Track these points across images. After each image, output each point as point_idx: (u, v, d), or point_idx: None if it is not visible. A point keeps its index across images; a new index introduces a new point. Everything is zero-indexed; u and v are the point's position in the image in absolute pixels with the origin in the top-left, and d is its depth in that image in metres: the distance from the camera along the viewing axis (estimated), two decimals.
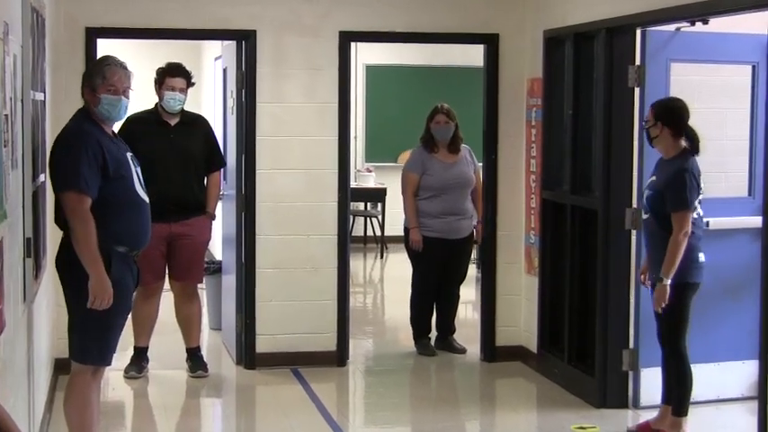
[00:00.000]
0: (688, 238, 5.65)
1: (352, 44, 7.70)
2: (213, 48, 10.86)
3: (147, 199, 5.11)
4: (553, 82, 7.24)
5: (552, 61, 7.26)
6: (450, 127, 7.94)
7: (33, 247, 4.87)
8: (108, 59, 5.14)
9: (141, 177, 5.11)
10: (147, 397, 7.12)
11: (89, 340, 4.96)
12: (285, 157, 7.43)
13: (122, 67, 5.06)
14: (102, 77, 4.99)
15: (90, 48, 7.01)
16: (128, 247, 5.01)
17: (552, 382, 7.19)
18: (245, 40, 7.39)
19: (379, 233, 13.26)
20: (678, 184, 5.66)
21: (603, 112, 6.56)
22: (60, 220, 4.97)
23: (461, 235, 7.93)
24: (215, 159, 7.39)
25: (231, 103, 7.73)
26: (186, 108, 7.37)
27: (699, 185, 5.71)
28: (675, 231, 5.64)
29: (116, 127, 7.00)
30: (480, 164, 7.90)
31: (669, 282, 5.65)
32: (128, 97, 5.06)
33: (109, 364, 5.14)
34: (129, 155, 5.10)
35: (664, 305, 5.68)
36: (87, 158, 4.80)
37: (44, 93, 5.62)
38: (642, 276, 6.07)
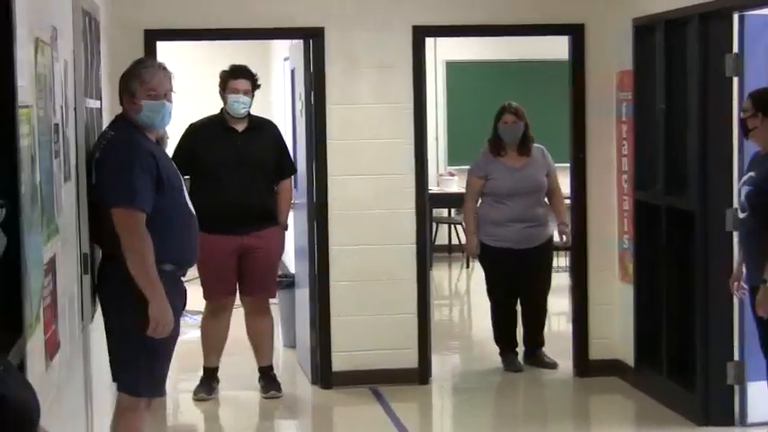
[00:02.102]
0: None
1: (430, 40, 7.67)
2: (282, 48, 10.90)
3: (194, 213, 5.04)
4: (644, 74, 7.13)
5: (642, 52, 7.15)
6: (519, 126, 7.86)
7: (91, 264, 4.88)
8: (145, 61, 5.07)
9: (187, 189, 5.06)
10: (218, 420, 7.17)
11: (141, 372, 4.86)
12: (358, 162, 7.43)
13: (162, 68, 4.96)
14: (140, 81, 4.88)
15: (150, 51, 7.07)
16: (176, 265, 4.91)
17: (651, 398, 7.06)
18: (313, 39, 7.40)
19: (464, 241, 13.17)
20: None
21: (699, 105, 6.44)
22: (102, 238, 4.86)
23: (534, 244, 7.82)
24: (285, 166, 7.39)
25: (300, 105, 7.75)
26: (255, 112, 7.40)
27: None
28: None
29: (174, 136, 7.21)
30: (566, 165, 7.80)
31: None
32: (170, 101, 4.95)
33: (163, 395, 5.11)
34: (175, 165, 5.07)
35: None
36: (141, 171, 4.72)
37: (100, 100, 5.66)
38: (735, 284, 5.92)
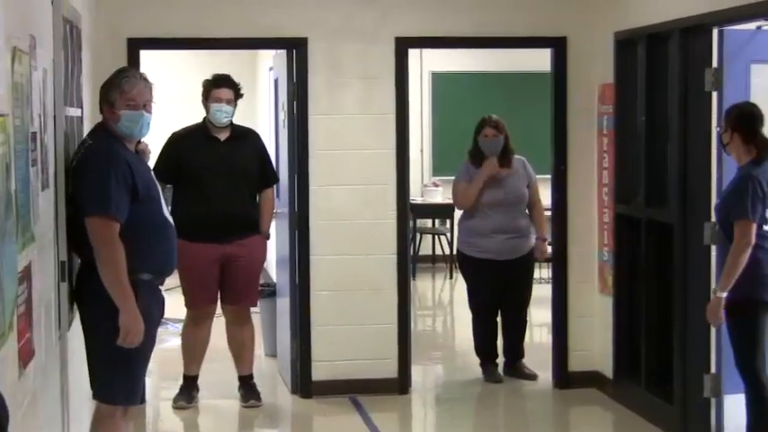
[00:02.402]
0: (754, 251, 5.57)
1: (417, 51, 7.69)
2: (268, 58, 10.94)
3: (172, 222, 5.06)
4: (625, 87, 7.18)
5: (624, 65, 7.19)
6: (498, 140, 7.88)
7: (69, 272, 4.88)
8: (126, 71, 5.08)
9: (164, 198, 5.07)
10: (198, 428, 7.19)
11: (117, 379, 4.87)
12: (340, 172, 7.45)
13: (142, 78, 4.97)
14: (120, 91, 4.89)
15: (133, 60, 7.08)
16: (154, 274, 4.92)
17: (629, 409, 7.09)
18: (296, 49, 7.42)
19: (447, 251, 13.22)
20: (741, 191, 5.61)
21: (679, 119, 6.48)
22: (79, 247, 4.86)
23: (517, 255, 7.84)
24: (268, 175, 7.40)
25: (283, 115, 7.77)
26: (241, 121, 7.42)
27: (765, 194, 5.62)
28: (736, 240, 5.58)
29: (159, 144, 7.22)
30: (547, 176, 7.83)
31: (724, 295, 5.59)
32: (150, 111, 4.95)
33: (138, 402, 5.11)
34: (153, 173, 5.09)
35: (720, 323, 5.68)
36: (117, 181, 4.72)
37: (81, 108, 5.67)
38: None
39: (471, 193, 7.82)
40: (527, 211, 7.96)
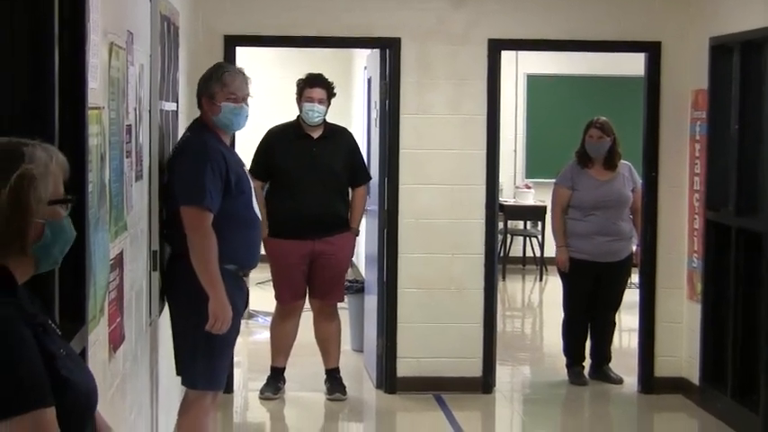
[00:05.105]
0: None
1: (511, 53, 7.70)
2: (363, 57, 11.04)
3: (260, 217, 5.19)
4: (719, 94, 7.12)
5: (718, 71, 7.14)
6: (604, 142, 7.86)
7: (160, 261, 5.03)
8: (225, 66, 5.23)
9: (254, 194, 5.19)
10: (284, 420, 7.28)
11: (199, 365, 5.00)
12: (430, 172, 7.51)
13: (241, 72, 5.13)
14: (221, 84, 5.05)
15: (229, 56, 7.22)
16: (238, 265, 5.06)
17: (714, 417, 7.04)
18: (389, 48, 7.50)
19: (539, 254, 13.21)
20: None
21: None
22: (170, 236, 5.03)
23: (615, 258, 7.81)
24: (359, 174, 7.48)
25: (375, 114, 7.85)
26: (336, 119, 7.52)
27: None
28: None
29: (253, 140, 7.35)
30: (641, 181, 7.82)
31: None
32: (248, 105, 5.12)
33: (221, 389, 5.21)
34: (245, 167, 5.21)
35: None
36: (212, 173, 4.86)
37: (176, 103, 5.81)
38: None
39: (555, 228, 7.90)
40: (631, 216, 7.91)
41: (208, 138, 5.05)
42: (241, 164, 5.22)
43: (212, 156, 4.94)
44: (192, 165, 4.94)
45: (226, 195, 4.93)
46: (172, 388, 5.70)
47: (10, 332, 2.16)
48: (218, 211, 4.90)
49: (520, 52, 12.10)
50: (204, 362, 5.00)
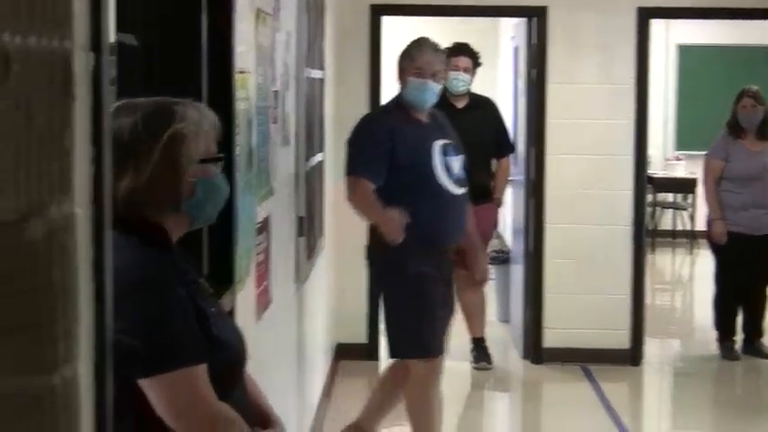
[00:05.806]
0: None
1: (660, 22, 7.56)
2: (510, 27, 10.96)
3: (455, 191, 5.10)
4: None
5: None
6: (757, 111, 7.65)
7: (307, 227, 5.09)
8: (420, 41, 5.22)
9: (452, 167, 5.10)
10: None
11: (406, 333, 5.07)
12: (577, 142, 7.42)
13: (434, 49, 5.14)
14: (410, 59, 5.12)
15: (375, 26, 7.24)
16: (418, 241, 4.98)
17: None
18: (536, 17, 7.43)
19: (689, 227, 12.95)
20: None
21: None
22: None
23: None
24: (503, 144, 7.45)
25: (521, 84, 7.79)
26: (482, 91, 7.49)
27: None
28: None
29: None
30: None
31: None
32: (438, 81, 5.13)
33: (435, 354, 5.17)
34: (440, 143, 5.11)
35: None
36: (373, 144, 4.96)
37: (322, 71, 5.87)
38: None
39: (710, 200, 7.71)
40: None
41: (387, 110, 5.20)
42: (432, 137, 5.11)
43: (377, 127, 5.06)
44: (357, 136, 5.13)
45: (396, 168, 4.96)
46: (317, 353, 5.78)
47: (167, 290, 2.21)
48: (391, 183, 4.96)
49: (671, 22, 11.86)
50: (411, 329, 5.05)
